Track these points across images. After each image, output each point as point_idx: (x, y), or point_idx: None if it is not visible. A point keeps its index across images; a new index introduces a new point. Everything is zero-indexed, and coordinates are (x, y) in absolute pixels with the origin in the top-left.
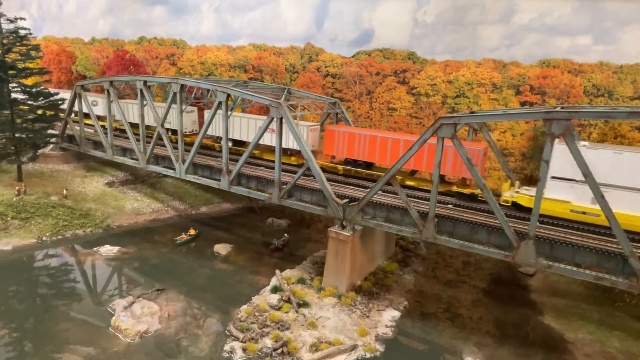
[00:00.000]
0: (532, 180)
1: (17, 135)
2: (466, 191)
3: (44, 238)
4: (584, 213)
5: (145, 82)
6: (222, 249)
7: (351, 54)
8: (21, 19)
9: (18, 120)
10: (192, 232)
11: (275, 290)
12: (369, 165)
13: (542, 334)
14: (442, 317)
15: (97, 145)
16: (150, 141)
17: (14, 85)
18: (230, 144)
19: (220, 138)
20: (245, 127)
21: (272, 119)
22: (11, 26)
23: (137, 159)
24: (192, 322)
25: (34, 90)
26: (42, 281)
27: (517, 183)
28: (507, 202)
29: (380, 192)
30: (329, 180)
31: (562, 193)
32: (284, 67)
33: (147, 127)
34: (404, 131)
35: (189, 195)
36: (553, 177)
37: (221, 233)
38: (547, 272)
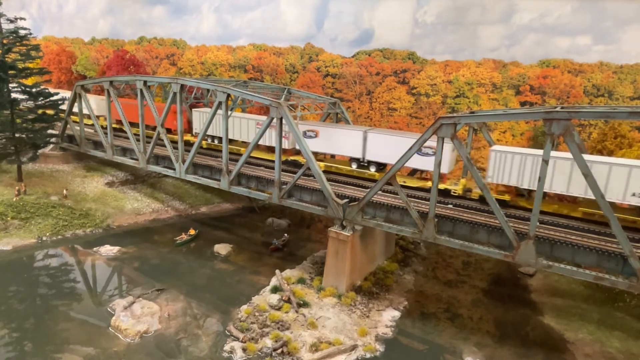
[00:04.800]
0: None
1: (17, 135)
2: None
3: (44, 238)
4: None
5: (145, 82)
6: (222, 249)
7: (351, 54)
8: (21, 19)
9: (18, 120)
10: (192, 232)
11: (275, 290)
12: None
13: (542, 334)
14: (442, 317)
15: (97, 145)
16: (150, 141)
17: (14, 85)
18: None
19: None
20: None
21: (272, 118)
22: (11, 26)
23: (137, 159)
24: (192, 322)
25: (34, 90)
26: (42, 281)
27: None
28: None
29: (380, 192)
30: (328, 180)
31: None
32: (284, 67)
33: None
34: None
35: (189, 195)
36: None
37: (221, 233)
38: (547, 272)
